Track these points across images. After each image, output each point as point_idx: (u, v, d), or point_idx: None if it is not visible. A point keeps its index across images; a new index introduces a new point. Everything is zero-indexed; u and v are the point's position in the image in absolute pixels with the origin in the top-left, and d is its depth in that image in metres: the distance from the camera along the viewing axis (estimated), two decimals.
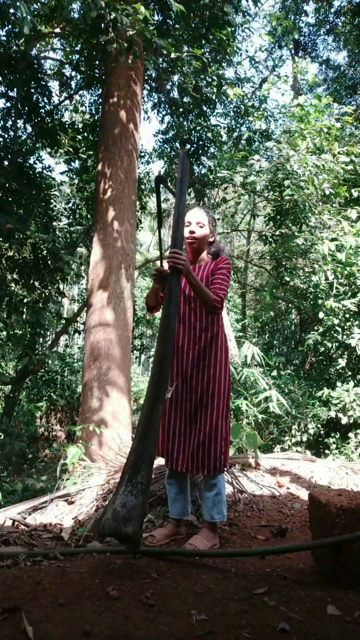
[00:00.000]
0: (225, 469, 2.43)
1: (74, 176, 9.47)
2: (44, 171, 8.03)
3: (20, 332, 7.06)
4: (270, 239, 7.96)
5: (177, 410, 2.43)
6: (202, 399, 2.40)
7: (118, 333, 5.65)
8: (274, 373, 8.36)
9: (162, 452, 2.49)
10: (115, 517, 1.87)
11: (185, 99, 8.50)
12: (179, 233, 2.22)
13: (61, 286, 7.56)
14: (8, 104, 7.55)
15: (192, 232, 2.44)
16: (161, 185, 2.38)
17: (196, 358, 2.42)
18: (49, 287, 7.00)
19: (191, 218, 2.47)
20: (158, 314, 2.46)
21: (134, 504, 1.90)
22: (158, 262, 2.47)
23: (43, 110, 7.70)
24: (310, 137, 6.99)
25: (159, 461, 3.71)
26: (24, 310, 6.26)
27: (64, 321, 9.77)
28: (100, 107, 6.86)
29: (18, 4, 4.16)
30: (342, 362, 7.41)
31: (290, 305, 9.89)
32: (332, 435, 7.45)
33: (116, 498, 1.92)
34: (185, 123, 9.12)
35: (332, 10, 13.12)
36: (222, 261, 2.50)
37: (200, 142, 9.05)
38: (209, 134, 9.00)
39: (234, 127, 10.01)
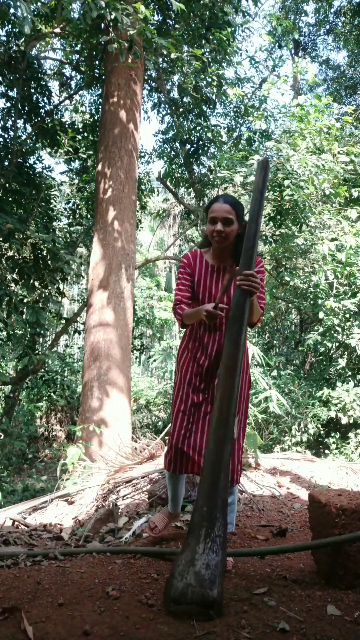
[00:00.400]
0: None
1: (74, 176, 9.47)
2: (44, 171, 8.03)
3: (20, 332, 7.06)
4: (270, 239, 7.96)
5: (197, 416, 2.27)
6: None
7: (118, 333, 5.65)
8: (274, 373, 8.36)
9: (175, 462, 2.28)
10: (200, 581, 1.67)
11: (185, 99, 8.50)
12: (254, 252, 1.96)
13: (61, 286, 7.56)
14: (8, 104, 7.55)
15: (218, 231, 2.16)
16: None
17: (217, 365, 2.24)
18: (49, 287, 7.00)
19: (216, 213, 2.17)
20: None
21: (217, 561, 1.72)
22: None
23: (43, 110, 7.70)
24: (310, 137, 6.99)
25: (157, 463, 3.71)
26: (24, 310, 6.26)
27: (64, 321, 9.77)
28: (100, 107, 6.86)
29: (18, 3, 4.16)
30: (342, 362, 7.41)
31: (290, 305, 9.89)
32: (332, 435, 7.45)
33: (195, 558, 1.72)
34: (185, 123, 9.12)
35: (332, 10, 13.11)
36: (257, 265, 2.23)
37: (200, 142, 9.06)
38: (209, 134, 9.00)
39: (234, 127, 10.01)
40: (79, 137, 8.67)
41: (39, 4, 6.67)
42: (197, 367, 2.28)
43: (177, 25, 6.93)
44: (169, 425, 2.37)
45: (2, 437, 7.86)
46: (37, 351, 7.06)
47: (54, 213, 8.40)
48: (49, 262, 6.50)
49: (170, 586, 1.72)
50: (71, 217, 9.29)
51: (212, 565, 1.70)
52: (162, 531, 2.42)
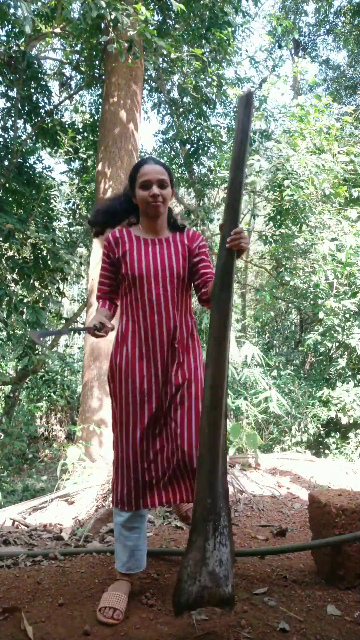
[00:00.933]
0: None
1: (74, 176, 9.47)
2: (44, 171, 8.03)
3: (20, 332, 7.05)
4: (270, 239, 7.96)
5: (145, 425, 1.80)
6: (181, 403, 1.82)
7: None
8: (274, 373, 8.36)
9: (123, 492, 1.79)
10: (216, 581, 1.54)
11: (185, 99, 8.50)
12: (239, 206, 1.68)
13: (61, 286, 7.56)
14: (8, 104, 7.56)
15: (154, 195, 1.83)
16: None
17: (172, 355, 1.84)
18: (49, 287, 7.00)
19: (149, 175, 1.84)
20: None
21: (227, 554, 1.60)
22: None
23: (43, 110, 7.70)
24: (310, 137, 6.99)
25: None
26: (24, 310, 6.26)
27: (64, 321, 9.77)
28: (100, 107, 6.87)
29: (19, 3, 4.16)
30: (342, 362, 7.42)
31: (290, 305, 9.89)
32: (332, 435, 7.46)
33: (206, 556, 1.56)
34: (185, 123, 9.12)
35: (332, 10, 13.11)
36: (197, 237, 1.97)
37: (200, 142, 9.05)
38: (209, 134, 9.00)
39: (234, 127, 10.00)
40: (79, 137, 8.67)
41: (39, 4, 6.67)
42: (146, 368, 1.83)
43: (177, 25, 6.93)
44: (118, 450, 1.84)
45: (2, 437, 7.85)
46: (37, 351, 7.06)
47: (54, 213, 8.39)
48: (49, 262, 6.50)
49: (180, 592, 1.54)
50: (71, 217, 9.29)
51: (224, 560, 1.58)
52: (123, 615, 1.72)
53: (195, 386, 1.84)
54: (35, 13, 6.69)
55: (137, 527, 1.84)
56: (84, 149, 8.73)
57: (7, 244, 6.02)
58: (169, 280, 1.85)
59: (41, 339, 1.88)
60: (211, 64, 7.38)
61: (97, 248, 5.87)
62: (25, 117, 7.60)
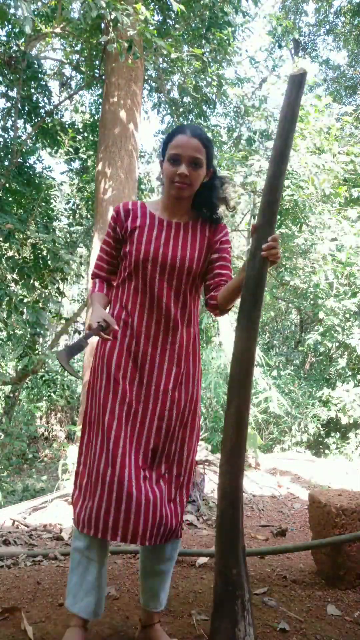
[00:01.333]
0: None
1: (74, 176, 9.48)
2: (44, 171, 8.04)
3: (20, 332, 7.06)
4: None
5: (123, 432, 1.48)
6: (169, 427, 1.51)
7: None
8: (274, 373, 8.36)
9: (86, 508, 1.43)
10: None
11: (185, 99, 8.51)
12: (277, 207, 1.43)
13: (61, 286, 7.57)
14: (8, 104, 7.56)
15: (182, 175, 1.52)
16: None
17: (169, 361, 1.55)
18: (49, 287, 7.00)
19: (181, 149, 1.53)
20: None
21: (253, 635, 1.30)
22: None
23: (43, 110, 7.71)
24: (310, 137, 6.99)
25: None
26: (24, 310, 6.26)
27: (64, 321, 9.77)
28: (100, 107, 6.87)
29: (19, 3, 4.16)
30: (342, 362, 7.42)
31: (290, 305, 9.89)
32: (332, 435, 7.46)
33: None
34: (185, 123, 9.13)
35: (332, 10, 13.12)
36: (221, 230, 1.66)
37: None
38: (209, 134, 9.00)
39: (234, 127, 10.01)
40: (79, 137, 8.68)
41: (39, 4, 6.68)
42: (131, 370, 1.54)
43: (177, 25, 6.93)
44: (85, 457, 1.58)
45: (2, 437, 7.85)
46: (37, 351, 7.06)
47: (54, 213, 8.40)
48: (49, 262, 6.50)
49: None
50: (71, 217, 9.30)
51: None
52: None
53: (192, 417, 1.58)
54: (35, 13, 6.70)
55: (92, 559, 1.45)
56: (84, 149, 8.74)
57: (7, 244, 6.03)
58: (177, 272, 1.56)
59: (67, 359, 1.50)
60: (211, 64, 7.39)
61: (97, 248, 5.88)
62: (25, 117, 7.60)
